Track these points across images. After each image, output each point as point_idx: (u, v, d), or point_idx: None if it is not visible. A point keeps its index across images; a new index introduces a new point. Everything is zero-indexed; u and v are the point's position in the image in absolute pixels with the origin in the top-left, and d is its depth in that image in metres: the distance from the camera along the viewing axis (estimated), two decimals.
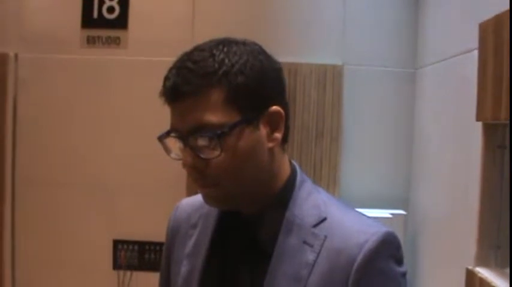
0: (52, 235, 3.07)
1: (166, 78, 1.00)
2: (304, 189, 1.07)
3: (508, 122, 1.71)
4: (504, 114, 1.70)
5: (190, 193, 2.39)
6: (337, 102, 2.96)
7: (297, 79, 2.94)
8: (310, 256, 1.00)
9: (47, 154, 3.09)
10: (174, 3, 3.08)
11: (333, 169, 2.96)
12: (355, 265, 0.96)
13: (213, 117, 0.96)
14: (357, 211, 1.08)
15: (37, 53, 3.08)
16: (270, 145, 1.02)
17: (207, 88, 0.96)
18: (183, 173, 1.06)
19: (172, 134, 1.01)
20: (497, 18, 1.79)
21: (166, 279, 1.22)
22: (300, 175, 1.08)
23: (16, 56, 3.07)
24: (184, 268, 1.12)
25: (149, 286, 2.22)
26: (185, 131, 0.98)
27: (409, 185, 3.01)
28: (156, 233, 1.68)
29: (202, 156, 0.98)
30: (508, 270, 1.84)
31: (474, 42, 1.98)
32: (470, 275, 1.93)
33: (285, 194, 1.06)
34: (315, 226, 1.02)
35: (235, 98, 0.97)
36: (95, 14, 3.06)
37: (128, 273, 3.06)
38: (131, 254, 3.05)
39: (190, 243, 1.14)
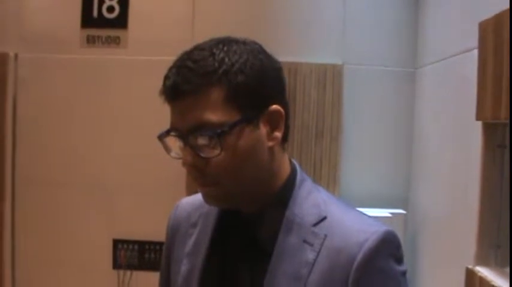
0: (52, 235, 3.07)
1: (166, 77, 1.00)
2: (304, 188, 1.07)
3: (508, 121, 1.71)
4: (504, 113, 1.70)
5: (190, 192, 2.39)
6: (337, 101, 2.96)
7: (297, 78, 2.94)
8: (310, 255, 1.00)
9: (46, 154, 3.09)
10: (174, 2, 3.08)
11: (332, 168, 2.96)
12: (355, 263, 0.96)
13: (213, 116, 0.96)
14: (357, 210, 1.08)
15: (37, 53, 3.08)
16: (270, 144, 1.02)
17: (207, 87, 0.96)
18: (182, 172, 1.06)
19: (172, 133, 1.01)
20: (497, 18, 1.79)
21: (166, 278, 1.22)
22: (300, 174, 1.08)
23: (16, 55, 3.07)
24: (184, 267, 1.13)
25: (149, 285, 2.22)
26: (185, 130, 0.98)
27: (408, 185, 3.01)
28: (156, 232, 1.68)
29: (202, 155, 0.98)
30: (508, 269, 1.84)
31: (474, 42, 1.98)
32: (470, 275, 1.93)
33: (285, 193, 1.06)
34: (315, 225, 1.02)
35: (235, 97, 0.97)
36: (95, 14, 3.06)
37: (128, 273, 3.06)
38: (131, 253, 3.05)
39: (191, 242, 1.14)
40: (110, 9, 3.06)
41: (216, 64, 0.97)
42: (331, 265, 0.98)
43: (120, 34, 3.07)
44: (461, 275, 1.98)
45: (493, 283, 1.78)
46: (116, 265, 3.06)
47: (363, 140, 3.02)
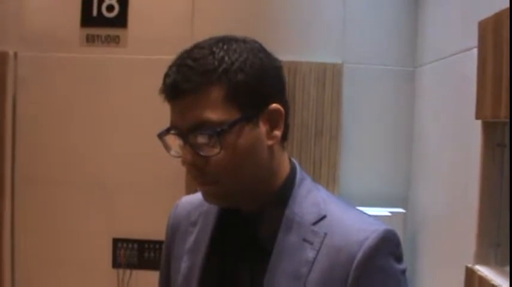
0: (52, 234, 3.07)
1: (166, 76, 1.00)
2: (303, 187, 1.07)
3: (508, 120, 1.71)
4: (504, 112, 1.70)
5: (189, 191, 2.40)
6: (337, 100, 2.96)
7: (296, 77, 2.94)
8: (310, 254, 1.00)
9: (46, 153, 3.09)
10: (173, 2, 3.08)
11: (332, 167, 2.96)
12: (355, 262, 0.96)
13: (213, 114, 0.96)
14: (357, 209, 1.08)
15: (37, 52, 3.08)
16: (270, 142, 1.02)
17: (207, 86, 0.96)
18: (182, 171, 1.06)
19: (172, 132, 1.01)
20: (497, 17, 1.79)
21: (166, 277, 1.22)
22: (299, 173, 1.08)
23: (16, 54, 3.07)
24: (184, 264, 1.13)
25: (149, 284, 2.22)
26: (185, 129, 0.98)
27: (408, 184, 3.01)
28: (156, 231, 1.68)
29: (201, 153, 0.98)
30: (507, 268, 1.84)
31: (474, 41, 1.98)
32: (470, 273, 1.93)
33: (285, 191, 1.06)
34: (315, 223, 1.02)
35: (235, 96, 0.97)
36: (95, 13, 3.06)
37: (128, 271, 3.06)
38: (131, 252, 3.06)
39: (191, 239, 1.14)
40: (110, 8, 3.06)
41: (216, 63, 0.97)
42: (331, 263, 0.98)
43: (120, 33, 3.07)
44: (461, 274, 1.98)
45: (492, 282, 1.78)
46: (116, 264, 3.07)
47: (363, 139, 3.02)
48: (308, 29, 3.02)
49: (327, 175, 2.95)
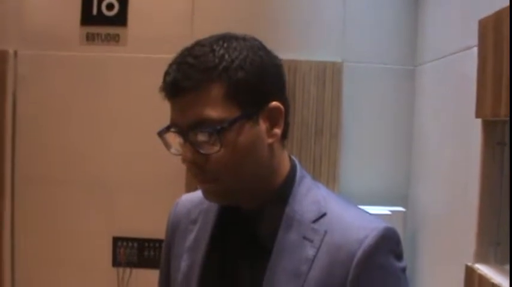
0: (51, 233, 3.07)
1: (166, 74, 1.00)
2: (304, 185, 1.07)
3: (508, 119, 1.71)
4: (504, 111, 1.70)
5: (189, 189, 2.39)
6: (337, 99, 2.96)
7: (296, 76, 2.94)
8: (310, 251, 1.00)
9: (46, 152, 3.09)
10: (173, 0, 3.08)
11: (332, 165, 2.96)
12: (355, 260, 0.96)
13: (213, 112, 0.96)
14: (357, 207, 1.08)
15: (36, 50, 3.07)
16: (270, 140, 1.02)
17: (207, 83, 0.96)
18: (182, 170, 1.06)
19: (172, 129, 1.01)
20: (497, 15, 1.79)
21: (166, 275, 1.22)
22: (299, 171, 1.08)
23: (15, 53, 3.07)
24: (184, 263, 1.13)
25: (149, 283, 2.22)
26: (185, 126, 0.98)
27: (408, 182, 3.01)
28: (156, 230, 1.68)
29: (202, 151, 0.98)
30: (507, 267, 1.84)
31: (474, 39, 1.98)
32: (470, 272, 1.93)
33: (285, 189, 1.06)
34: (315, 221, 1.02)
35: (235, 94, 0.97)
36: (94, 11, 3.06)
37: (128, 270, 3.06)
38: (131, 251, 3.06)
39: (191, 237, 1.14)
40: (110, 6, 3.06)
41: (216, 60, 0.97)
42: (331, 261, 0.98)
43: (120, 31, 3.07)
44: (461, 272, 1.98)
45: (492, 281, 1.78)
46: (116, 263, 3.07)
47: (363, 137, 3.02)
48: (308, 27, 3.02)
49: (327, 173, 2.95)
